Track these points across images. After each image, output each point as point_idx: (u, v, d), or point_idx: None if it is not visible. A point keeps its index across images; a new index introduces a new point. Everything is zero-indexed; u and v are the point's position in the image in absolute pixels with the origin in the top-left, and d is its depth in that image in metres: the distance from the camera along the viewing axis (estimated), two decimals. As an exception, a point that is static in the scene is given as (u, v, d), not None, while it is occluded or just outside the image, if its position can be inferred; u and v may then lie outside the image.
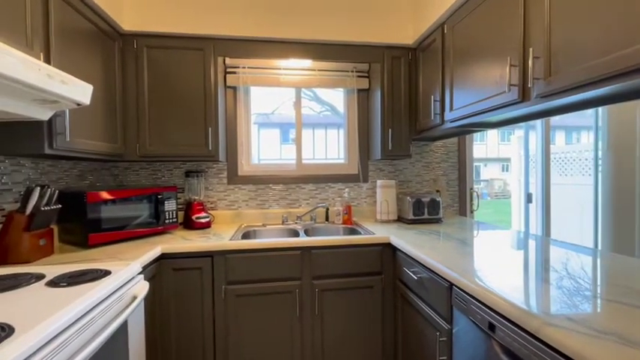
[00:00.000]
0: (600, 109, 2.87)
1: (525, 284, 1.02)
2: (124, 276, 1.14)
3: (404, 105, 2.16)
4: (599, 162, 3.00)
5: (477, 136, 2.64)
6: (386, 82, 2.14)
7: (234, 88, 2.34)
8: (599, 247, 2.94)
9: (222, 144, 2.12)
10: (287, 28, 2.03)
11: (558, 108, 1.31)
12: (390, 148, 2.14)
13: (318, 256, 1.74)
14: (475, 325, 1.03)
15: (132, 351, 1.16)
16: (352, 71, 2.40)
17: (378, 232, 1.89)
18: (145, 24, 1.89)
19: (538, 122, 2.89)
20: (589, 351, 0.65)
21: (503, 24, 1.34)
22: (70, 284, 1.01)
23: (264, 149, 2.57)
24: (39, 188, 1.34)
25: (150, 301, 1.50)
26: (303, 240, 1.75)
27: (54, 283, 1.03)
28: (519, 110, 1.32)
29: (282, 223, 2.29)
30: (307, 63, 2.32)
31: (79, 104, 1.14)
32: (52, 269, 1.18)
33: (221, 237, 1.81)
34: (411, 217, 2.16)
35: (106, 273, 1.12)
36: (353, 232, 2.15)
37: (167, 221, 1.89)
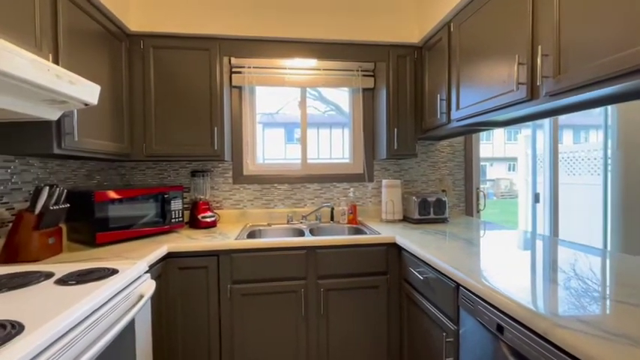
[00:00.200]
0: (610, 107, 2.83)
1: (534, 285, 1.01)
2: (131, 275, 1.15)
3: (409, 104, 2.15)
4: (609, 161, 2.95)
5: (483, 135, 2.61)
6: (391, 81, 2.13)
7: (240, 88, 2.34)
8: (609, 248, 2.89)
9: (227, 144, 2.12)
10: (292, 27, 2.03)
11: (567, 107, 1.29)
12: (395, 147, 2.13)
13: (324, 256, 1.74)
14: (482, 326, 1.02)
15: (139, 349, 1.17)
16: (357, 70, 2.39)
17: (383, 232, 1.88)
18: (152, 24, 1.90)
19: (546, 121, 2.86)
20: (601, 354, 0.64)
21: (511, 21, 1.32)
22: (78, 282, 1.03)
23: (268, 149, 2.57)
24: (48, 188, 1.36)
25: (156, 299, 1.51)
26: (308, 239, 1.75)
27: (63, 281, 1.04)
28: (527, 109, 1.30)
29: (288, 222, 2.29)
30: (312, 62, 2.32)
31: (86, 104, 1.15)
32: (60, 267, 1.19)
33: (227, 236, 1.82)
34: (416, 216, 2.15)
35: (114, 272, 1.14)
36: (358, 231, 2.14)
37: (173, 220, 1.90)
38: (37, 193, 1.35)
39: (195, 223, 2.07)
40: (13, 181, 1.40)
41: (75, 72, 1.34)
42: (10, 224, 1.36)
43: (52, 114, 1.18)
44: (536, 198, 2.99)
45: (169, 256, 1.62)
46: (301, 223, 2.28)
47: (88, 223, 1.55)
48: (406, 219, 2.27)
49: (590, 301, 0.88)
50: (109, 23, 1.68)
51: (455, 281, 1.19)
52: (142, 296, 1.15)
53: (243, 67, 2.28)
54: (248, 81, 2.30)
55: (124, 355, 1.06)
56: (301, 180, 2.41)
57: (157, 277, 1.49)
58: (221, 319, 1.67)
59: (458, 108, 1.72)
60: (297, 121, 2.48)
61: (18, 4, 1.10)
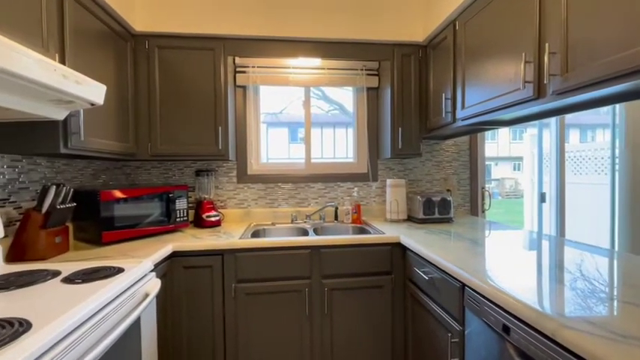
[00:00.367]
0: (618, 106, 2.79)
1: (540, 286, 1.00)
2: (137, 273, 1.16)
3: (414, 103, 2.14)
4: (617, 160, 2.92)
5: (488, 134, 2.59)
6: (396, 80, 2.12)
7: (244, 88, 2.35)
8: (616, 248, 2.86)
9: (231, 143, 2.13)
10: (296, 26, 2.03)
11: (574, 105, 1.28)
12: (399, 146, 2.12)
13: (328, 255, 1.74)
14: (488, 326, 1.01)
15: (144, 348, 1.17)
16: (362, 69, 2.39)
17: (387, 232, 1.88)
18: (157, 24, 1.91)
19: (552, 120, 2.82)
20: (610, 355, 0.63)
21: (517, 19, 1.31)
22: (84, 281, 1.03)
23: (272, 149, 2.57)
24: (55, 187, 1.37)
25: (161, 298, 1.52)
26: (312, 239, 1.74)
27: (69, 279, 1.05)
28: (534, 107, 1.29)
29: (292, 222, 2.29)
30: (316, 62, 2.32)
31: (92, 104, 1.16)
32: (67, 266, 1.20)
33: (231, 235, 1.82)
34: (421, 216, 2.14)
35: (119, 270, 1.14)
36: (362, 231, 2.14)
37: (178, 219, 1.91)
38: (44, 192, 1.36)
39: (199, 223, 2.08)
40: (20, 180, 1.42)
41: (81, 72, 1.35)
42: (18, 223, 1.37)
43: (59, 114, 1.19)
44: (542, 198, 2.96)
45: (174, 255, 1.62)
46: (305, 222, 2.28)
47: (94, 222, 1.56)
48: (410, 219, 2.26)
49: (597, 301, 0.87)
50: (114, 23, 1.69)
51: (460, 281, 1.18)
52: (147, 295, 1.16)
53: (248, 66, 2.29)
54: (252, 80, 2.30)
55: (129, 353, 1.07)
56: (305, 179, 2.41)
57: (162, 276, 1.50)
58: (225, 318, 1.68)
59: (463, 107, 1.71)
60: (300, 120, 2.48)
61: (25, 5, 1.11)
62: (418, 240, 1.65)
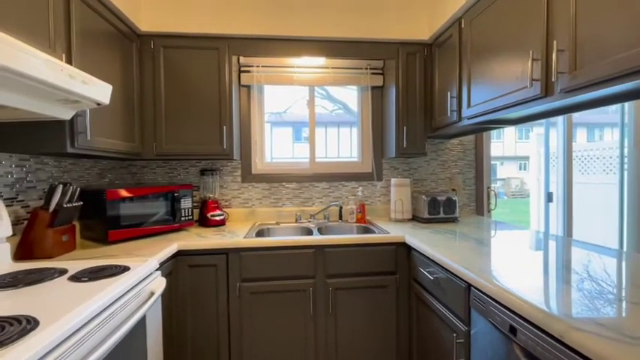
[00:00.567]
0: (627, 104, 2.75)
1: (548, 286, 0.99)
2: (142, 272, 1.16)
3: (419, 102, 2.13)
4: (625, 160, 2.87)
5: (493, 133, 2.57)
6: (401, 79, 2.10)
7: (248, 87, 2.35)
8: (625, 248, 2.82)
9: (236, 142, 2.13)
10: (300, 25, 2.03)
11: (582, 103, 1.26)
12: (404, 145, 2.11)
13: (332, 255, 1.73)
14: (495, 327, 1.00)
15: (150, 346, 1.18)
16: (366, 68, 2.38)
17: (392, 231, 1.87)
18: (162, 25, 1.92)
19: (559, 119, 2.79)
20: (619, 357, 0.61)
21: (524, 16, 1.29)
22: (91, 279, 1.04)
23: (276, 148, 2.57)
24: (61, 186, 1.39)
25: (166, 297, 1.53)
26: (316, 238, 1.74)
27: (76, 277, 1.06)
28: (541, 106, 1.27)
29: (296, 221, 2.29)
30: (321, 61, 2.31)
31: (99, 104, 1.17)
32: (74, 264, 1.21)
33: (235, 234, 1.83)
34: (426, 216, 2.13)
35: (125, 269, 1.15)
36: (367, 230, 2.13)
37: (183, 219, 1.92)
38: (52, 191, 1.37)
39: (204, 222, 2.08)
40: (28, 179, 1.43)
41: (87, 72, 1.36)
42: (26, 222, 1.39)
43: (66, 113, 1.19)
44: (549, 197, 2.92)
45: (179, 253, 1.63)
46: (309, 221, 2.28)
47: (100, 220, 1.57)
48: (415, 218, 2.25)
49: (605, 303, 0.85)
50: (120, 24, 1.70)
51: (466, 281, 1.17)
52: (152, 293, 1.16)
53: (252, 66, 2.29)
54: (257, 80, 2.30)
55: (135, 351, 1.08)
56: (309, 179, 2.40)
57: (167, 275, 1.50)
58: (230, 316, 1.68)
59: (469, 106, 1.69)
60: (304, 120, 2.48)
61: (32, 5, 1.12)
62: (423, 240, 1.64)
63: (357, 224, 2.23)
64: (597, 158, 3.76)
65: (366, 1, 2.06)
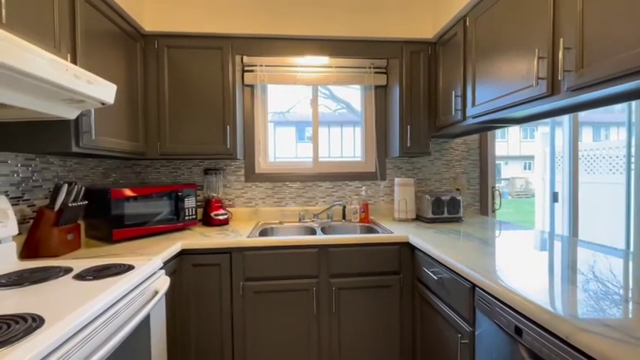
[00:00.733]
0: (634, 103, 2.72)
1: (554, 287, 0.97)
2: (147, 271, 1.17)
3: (423, 101, 2.11)
4: (632, 159, 2.84)
5: (498, 133, 2.54)
6: (404, 78, 2.09)
7: (252, 87, 2.35)
8: (631, 249, 2.79)
9: (239, 142, 2.14)
10: (304, 24, 2.02)
11: (589, 102, 1.24)
12: (408, 145, 2.10)
13: (336, 255, 1.73)
14: (500, 328, 0.99)
15: (154, 345, 1.19)
16: (370, 67, 2.37)
17: (396, 231, 1.86)
18: (166, 24, 1.93)
19: (565, 118, 2.76)
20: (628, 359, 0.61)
21: (530, 14, 1.28)
22: (95, 278, 1.05)
23: (279, 148, 2.57)
24: (67, 185, 1.40)
25: (170, 296, 1.53)
26: (320, 238, 1.74)
27: (81, 276, 1.06)
28: (547, 105, 1.26)
29: (299, 220, 2.29)
30: (324, 60, 2.31)
31: (103, 103, 1.18)
32: (79, 263, 1.22)
33: (239, 234, 1.83)
34: (430, 215, 2.11)
35: (130, 267, 1.15)
36: (370, 230, 2.13)
37: (187, 218, 1.92)
38: (57, 190, 1.38)
39: (208, 221, 2.09)
40: (34, 178, 1.44)
41: (92, 72, 1.37)
42: (32, 221, 1.40)
43: (71, 113, 1.20)
44: (554, 197, 2.90)
45: (183, 253, 1.64)
46: (313, 221, 2.28)
47: (104, 219, 1.58)
48: (419, 218, 2.24)
49: (612, 303, 0.84)
50: (124, 24, 1.70)
51: (471, 282, 1.16)
52: (156, 292, 1.17)
53: (255, 65, 2.29)
54: (260, 79, 2.30)
55: (139, 350, 1.08)
56: (313, 178, 2.40)
57: (171, 274, 1.51)
58: (233, 315, 1.69)
59: (474, 105, 1.68)
60: (308, 119, 2.47)
61: (38, 6, 1.13)
62: (427, 239, 1.63)
63: (361, 224, 2.22)
64: (603, 158, 3.73)
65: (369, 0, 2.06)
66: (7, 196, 1.31)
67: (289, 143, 2.70)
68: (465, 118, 1.77)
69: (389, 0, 2.07)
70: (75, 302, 0.85)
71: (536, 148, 4.16)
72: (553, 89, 1.18)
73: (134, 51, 1.82)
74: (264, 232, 2.06)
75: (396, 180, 2.26)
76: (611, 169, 3.60)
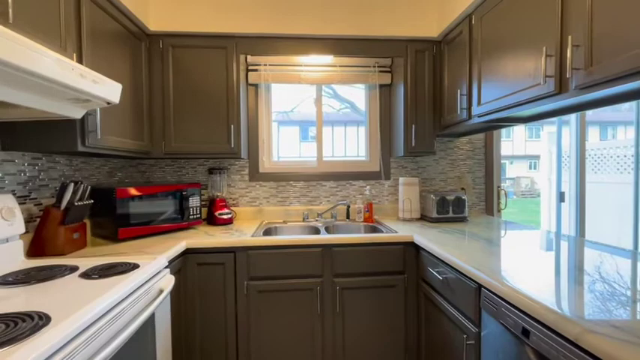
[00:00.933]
0: (642, 101, 2.68)
1: (562, 288, 0.96)
2: (152, 269, 1.17)
3: (428, 100, 2.10)
4: (640, 159, 2.80)
5: (502, 132, 2.52)
6: (409, 77, 2.08)
7: (256, 86, 2.35)
8: (639, 249, 2.75)
9: (244, 141, 2.14)
10: (308, 23, 2.02)
11: (597, 101, 1.23)
12: (413, 144, 2.09)
13: (340, 254, 1.72)
14: (506, 329, 0.98)
15: (159, 343, 1.19)
16: (374, 66, 2.36)
17: (400, 231, 1.85)
18: (170, 24, 1.93)
19: (572, 117, 2.73)
20: (639, 362, 0.60)
21: (538, 11, 1.26)
22: (101, 276, 1.05)
23: (283, 147, 2.57)
24: (73, 184, 1.40)
25: (175, 294, 1.54)
26: (324, 237, 1.74)
27: (87, 274, 1.07)
28: (554, 103, 1.24)
29: (303, 220, 2.29)
30: (328, 59, 2.30)
31: (109, 103, 1.18)
32: (84, 261, 1.23)
33: (243, 233, 1.83)
34: (434, 215, 2.10)
35: (135, 266, 1.16)
36: (374, 230, 2.12)
37: (191, 217, 1.93)
38: (63, 189, 1.39)
39: (212, 220, 2.09)
40: (40, 177, 1.45)
41: (98, 71, 1.38)
42: (38, 219, 1.41)
43: (77, 112, 1.21)
44: (561, 197, 2.87)
45: (188, 252, 1.64)
46: (317, 220, 2.28)
47: (110, 218, 1.59)
48: (424, 218, 2.23)
49: (621, 304, 0.83)
50: (129, 23, 1.71)
51: (477, 282, 1.15)
52: (161, 291, 1.17)
53: (259, 64, 2.29)
54: (264, 79, 2.30)
55: (144, 348, 1.08)
56: (317, 178, 2.40)
57: (176, 273, 1.51)
58: (238, 314, 1.69)
59: (479, 103, 1.66)
60: (311, 119, 2.47)
61: (44, 6, 1.13)
62: (432, 239, 1.62)
63: (365, 223, 2.22)
64: (611, 157, 3.68)
65: (374, -2, 2.05)
66: (14, 194, 1.32)
67: (293, 143, 2.70)
68: (470, 116, 1.76)
69: (394, -2, 2.05)
70: (81, 301, 0.86)
71: (542, 147, 4.13)
72: (561, 87, 1.16)
73: (139, 50, 1.83)
74: (268, 232, 2.06)
75: (401, 179, 2.24)
76: (618, 169, 3.55)
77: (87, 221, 1.59)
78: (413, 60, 2.08)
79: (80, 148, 1.32)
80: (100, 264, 1.19)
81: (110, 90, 1.15)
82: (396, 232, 1.84)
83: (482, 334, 1.12)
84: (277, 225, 2.19)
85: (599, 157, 3.83)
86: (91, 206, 1.52)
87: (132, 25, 1.74)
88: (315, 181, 2.40)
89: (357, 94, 2.57)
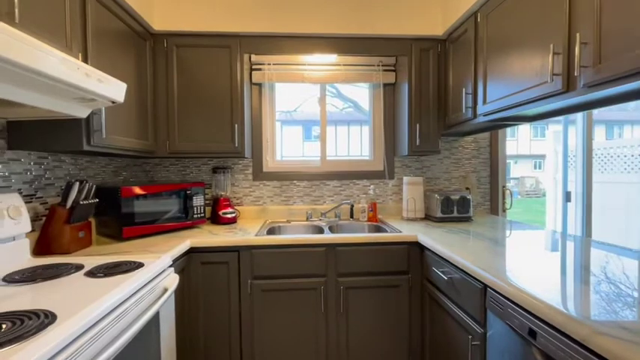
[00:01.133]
0: (650, 100, 2.64)
1: (569, 288, 0.95)
2: (156, 268, 1.18)
3: (432, 99, 2.09)
4: (648, 158, 2.77)
5: (507, 131, 2.50)
6: (414, 76, 2.07)
7: (260, 85, 2.35)
8: (647, 251, 2.71)
9: (247, 140, 2.14)
10: (312, 22, 2.01)
11: (604, 99, 1.21)
12: (417, 143, 2.08)
13: (343, 254, 1.72)
14: (513, 330, 0.97)
15: (164, 342, 1.19)
16: (378, 65, 2.35)
17: (404, 230, 1.84)
18: (175, 23, 1.94)
19: (579, 116, 2.70)
20: (650, 364, 0.59)
21: (545, 9, 1.25)
22: (106, 275, 1.06)
23: (286, 147, 2.57)
24: (78, 183, 1.41)
25: (179, 293, 1.54)
26: (328, 237, 1.73)
27: (92, 273, 1.07)
28: (562, 102, 1.23)
29: (307, 219, 2.29)
30: (332, 58, 2.29)
31: (113, 102, 1.18)
32: (90, 260, 1.24)
33: (247, 232, 1.83)
34: (439, 215, 2.09)
35: (139, 265, 1.16)
36: (378, 229, 2.11)
37: (195, 216, 1.93)
38: (69, 188, 1.40)
39: (216, 219, 2.10)
40: (46, 176, 1.46)
41: (102, 71, 1.38)
42: (44, 218, 1.42)
43: (82, 112, 1.21)
44: (567, 197, 2.84)
45: (192, 250, 1.65)
46: (320, 220, 2.27)
47: (115, 217, 1.60)
48: (428, 217, 2.22)
49: (629, 306, 0.82)
50: (134, 23, 1.72)
51: (482, 282, 1.14)
52: (166, 289, 1.17)
53: (263, 64, 2.29)
54: (268, 78, 2.30)
55: (149, 347, 1.09)
56: (320, 177, 2.39)
57: (180, 272, 1.52)
58: (241, 313, 1.69)
59: (485, 102, 1.65)
60: (314, 118, 2.47)
61: (50, 6, 1.14)
62: (436, 239, 1.61)
63: (369, 223, 2.21)
64: (618, 156, 3.64)
65: (378, -4, 2.03)
66: (20, 193, 1.33)
67: (296, 142, 2.70)
68: (475, 115, 1.75)
69: (398, -3, 2.04)
70: (86, 299, 0.86)
71: (548, 146, 4.09)
72: (569, 86, 1.14)
73: (143, 50, 1.84)
74: (271, 231, 2.06)
75: (405, 179, 2.23)
76: (625, 169, 3.51)
77: (92, 220, 1.60)
78: (417, 59, 2.07)
79: (85, 148, 1.32)
80: (105, 263, 1.20)
81: (115, 89, 1.15)
82: (400, 231, 1.83)
83: (487, 334, 1.11)
84: (281, 224, 2.19)
85: (605, 157, 3.79)
86: (96, 205, 1.53)
87: (136, 24, 1.75)
88: (319, 180, 2.40)
89: (361, 94, 2.56)
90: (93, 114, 1.33)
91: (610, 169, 3.70)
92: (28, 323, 0.72)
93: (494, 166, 2.46)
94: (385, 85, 2.40)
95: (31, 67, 0.81)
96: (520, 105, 1.40)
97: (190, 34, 1.95)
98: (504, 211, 2.45)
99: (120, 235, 1.58)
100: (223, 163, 2.34)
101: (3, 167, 1.26)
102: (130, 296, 0.98)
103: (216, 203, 2.13)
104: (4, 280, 1.01)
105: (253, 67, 2.29)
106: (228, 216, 2.09)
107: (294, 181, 2.39)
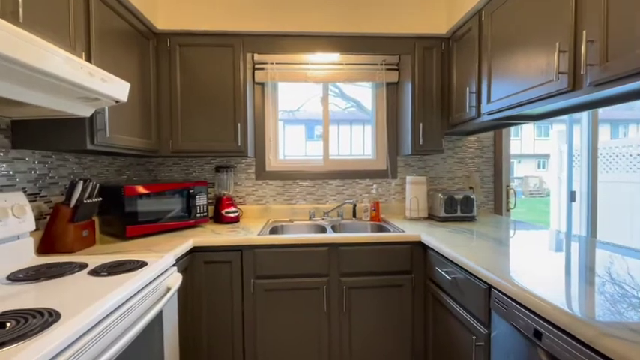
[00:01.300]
0: (657, 99, 2.61)
1: (575, 289, 0.94)
2: (159, 267, 1.18)
3: (436, 98, 2.08)
4: (654, 158, 2.74)
5: (511, 131, 2.49)
6: (417, 75, 2.06)
7: (262, 85, 2.35)
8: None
9: (250, 140, 2.14)
10: (314, 21, 2.01)
11: (610, 98, 1.20)
12: (420, 143, 2.07)
13: (346, 253, 1.71)
14: (518, 330, 0.96)
15: (167, 340, 1.20)
16: (381, 64, 2.34)
17: (407, 230, 1.83)
18: (178, 23, 1.94)
19: (584, 115, 2.68)
20: (658, 366, 0.58)
21: (550, 6, 1.23)
22: (110, 274, 1.06)
23: (289, 146, 2.57)
24: (82, 182, 1.42)
25: (182, 292, 1.54)
26: (330, 236, 1.73)
27: (96, 272, 1.08)
28: (567, 100, 1.21)
29: (309, 218, 2.28)
30: (335, 57, 2.29)
31: (117, 101, 1.19)
32: (93, 259, 1.24)
33: (249, 231, 1.83)
34: (442, 214, 2.08)
35: (143, 264, 1.16)
36: (381, 229, 2.10)
37: (198, 215, 1.94)
38: (72, 187, 1.41)
39: (219, 218, 2.10)
40: (50, 175, 1.47)
41: (106, 70, 1.38)
42: (48, 217, 1.43)
43: (86, 111, 1.22)
44: (571, 197, 2.82)
45: (195, 250, 1.65)
46: (323, 219, 2.27)
47: (118, 216, 1.60)
48: (431, 217, 2.21)
49: (635, 307, 0.81)
50: (137, 22, 1.72)
51: (486, 282, 1.13)
52: (169, 288, 1.17)
53: (266, 63, 2.29)
54: (270, 77, 2.30)
55: (152, 345, 1.09)
56: (323, 176, 2.39)
57: (183, 271, 1.52)
58: (244, 312, 1.69)
59: (489, 101, 1.64)
60: (317, 118, 2.46)
61: (54, 6, 1.14)
62: (440, 239, 1.60)
63: (372, 222, 2.20)
64: (622, 156, 3.61)
65: (381, -5, 2.03)
66: (25, 192, 1.33)
67: (299, 142, 2.69)
68: (479, 115, 1.73)
69: (401, -5, 2.03)
70: (90, 297, 0.86)
71: (552, 146, 4.06)
72: (574, 84, 1.13)
73: (147, 49, 1.84)
74: (274, 230, 2.06)
75: (408, 178, 2.22)
76: (630, 168, 3.48)
77: (96, 219, 1.61)
78: (421, 57, 2.06)
79: (89, 147, 1.33)
80: (108, 261, 1.20)
81: (118, 88, 1.15)
82: (403, 231, 1.82)
83: (492, 335, 1.11)
84: (284, 223, 2.19)
85: (610, 156, 3.76)
86: (100, 204, 1.53)
87: (140, 24, 1.75)
88: (322, 179, 2.39)
89: (363, 93, 2.55)
90: (96, 113, 1.34)
91: (615, 169, 3.67)
92: (33, 321, 0.72)
93: (497, 165, 2.44)
94: (388, 84, 2.39)
95: (38, 67, 0.82)
96: (525, 104, 1.39)
97: (193, 34, 1.95)
98: (508, 210, 2.43)
99: (123, 234, 1.59)
100: (226, 163, 2.35)
101: (8, 166, 1.27)
102: (134, 295, 0.98)
103: (218, 202, 2.14)
104: (8, 278, 1.02)
105: (256, 66, 2.29)
106: (231, 215, 2.09)
107: (297, 181, 2.38)
